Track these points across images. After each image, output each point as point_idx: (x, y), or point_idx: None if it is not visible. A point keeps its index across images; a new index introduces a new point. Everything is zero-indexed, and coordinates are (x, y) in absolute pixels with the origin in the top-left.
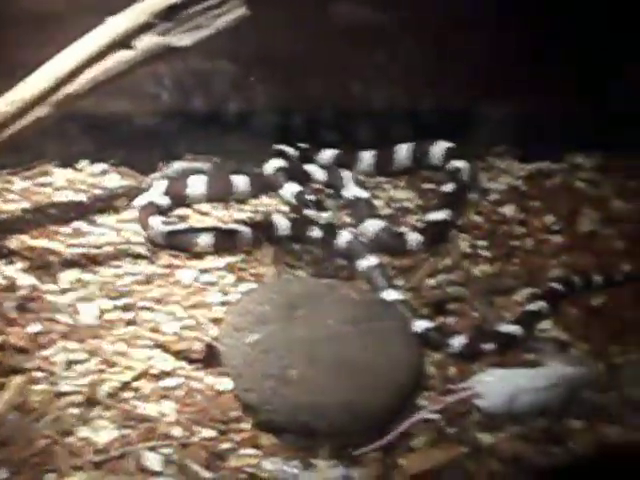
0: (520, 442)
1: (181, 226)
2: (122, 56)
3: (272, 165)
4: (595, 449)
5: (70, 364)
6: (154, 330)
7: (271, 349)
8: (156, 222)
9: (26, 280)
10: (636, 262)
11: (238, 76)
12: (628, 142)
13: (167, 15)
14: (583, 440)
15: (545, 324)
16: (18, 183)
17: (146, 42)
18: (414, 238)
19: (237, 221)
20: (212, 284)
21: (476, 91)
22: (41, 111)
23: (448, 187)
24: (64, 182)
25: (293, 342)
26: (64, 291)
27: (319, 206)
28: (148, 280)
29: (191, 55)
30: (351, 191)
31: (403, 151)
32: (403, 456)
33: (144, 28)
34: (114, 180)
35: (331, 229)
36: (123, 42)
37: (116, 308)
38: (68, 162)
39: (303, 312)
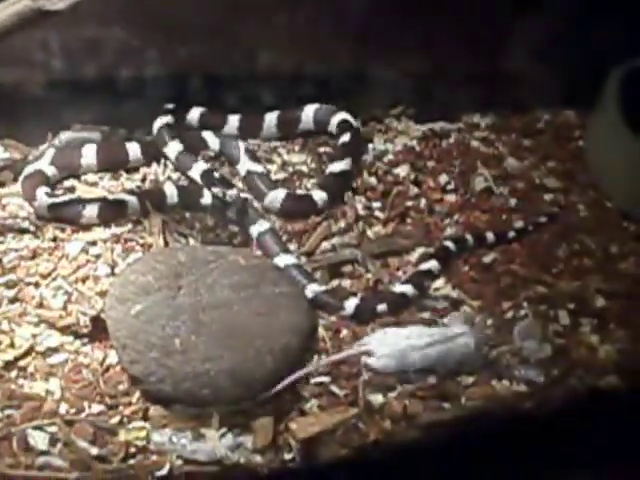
0: (411, 400)
1: (66, 198)
2: None
3: (174, 148)
4: (485, 403)
5: None
6: (40, 306)
7: (155, 319)
8: (40, 193)
9: None
10: (528, 218)
11: (128, 42)
12: (522, 101)
13: None
14: (473, 395)
15: (438, 283)
16: None
17: (15, 5)
18: (321, 197)
19: (125, 191)
20: (99, 256)
21: (371, 53)
22: None
23: (344, 138)
24: None
25: (177, 311)
26: None
27: (225, 183)
28: (33, 255)
29: (81, 21)
30: (245, 165)
31: (272, 118)
32: (294, 420)
33: None
34: None
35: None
36: None
37: None
38: None
39: (189, 280)
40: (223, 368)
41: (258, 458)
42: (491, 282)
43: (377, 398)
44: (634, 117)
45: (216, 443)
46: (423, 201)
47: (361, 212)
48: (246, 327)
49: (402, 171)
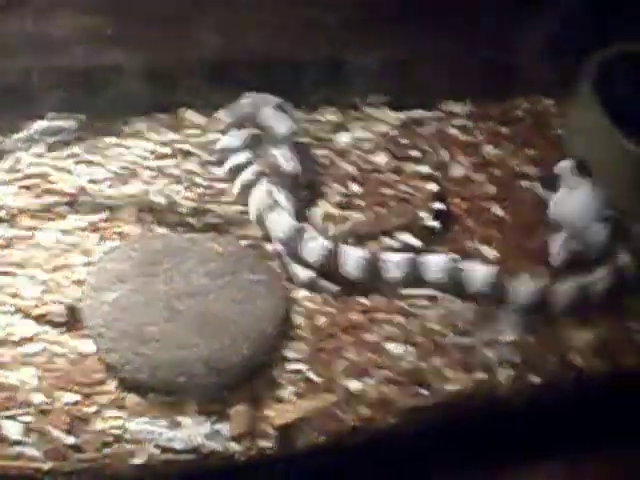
0: (388, 386)
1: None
2: None
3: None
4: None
5: None
6: (15, 295)
7: (130, 307)
8: None
9: None
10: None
11: (105, 30)
12: (500, 89)
13: None
14: (452, 381)
15: None
16: None
17: None
18: None
19: None
20: (74, 245)
21: (349, 40)
22: None
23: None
24: None
25: (153, 299)
26: None
27: None
28: (8, 244)
29: (57, 9)
30: None
31: None
32: (270, 407)
33: None
34: None
35: None
36: None
37: None
38: None
39: (164, 268)
40: (199, 356)
41: (235, 446)
42: None
43: (354, 384)
44: (611, 104)
45: (192, 431)
46: (402, 188)
47: (339, 199)
48: (222, 314)
49: (380, 159)
